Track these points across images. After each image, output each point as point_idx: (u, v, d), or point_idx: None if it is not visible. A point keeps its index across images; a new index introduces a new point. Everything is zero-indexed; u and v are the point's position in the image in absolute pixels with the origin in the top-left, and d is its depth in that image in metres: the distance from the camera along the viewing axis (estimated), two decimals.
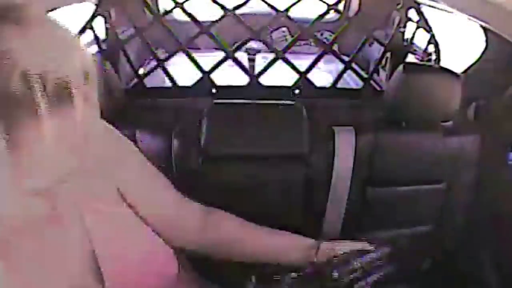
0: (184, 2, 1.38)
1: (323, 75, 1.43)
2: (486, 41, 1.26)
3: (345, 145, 1.16)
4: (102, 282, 0.63)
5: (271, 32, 2.17)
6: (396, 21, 1.46)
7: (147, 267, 0.70)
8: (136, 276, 0.68)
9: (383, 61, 1.45)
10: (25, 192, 0.45)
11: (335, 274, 0.73)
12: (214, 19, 1.36)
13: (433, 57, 1.44)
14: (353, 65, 1.40)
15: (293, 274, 0.74)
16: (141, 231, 0.71)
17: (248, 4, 1.40)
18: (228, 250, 0.83)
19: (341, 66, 1.38)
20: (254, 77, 1.33)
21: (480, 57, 1.32)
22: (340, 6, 1.46)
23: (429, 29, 1.41)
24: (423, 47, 1.46)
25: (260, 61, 1.77)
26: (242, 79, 1.34)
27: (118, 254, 0.65)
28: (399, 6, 1.46)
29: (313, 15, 1.39)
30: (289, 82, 1.35)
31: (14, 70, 0.39)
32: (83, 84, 0.44)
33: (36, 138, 0.41)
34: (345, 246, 0.80)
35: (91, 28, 1.37)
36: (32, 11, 0.44)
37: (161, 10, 1.80)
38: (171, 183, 0.80)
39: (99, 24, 1.39)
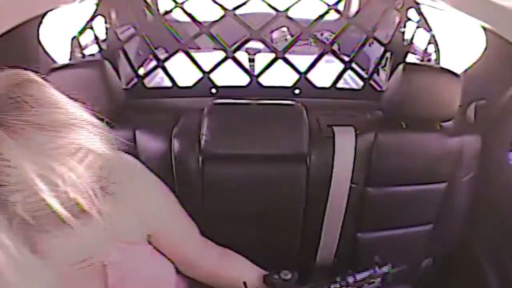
0: (184, 2, 1.38)
1: (323, 75, 1.43)
2: (486, 41, 1.26)
3: (345, 145, 1.16)
4: None
5: (271, 32, 2.17)
6: (396, 21, 1.46)
7: None
8: None
9: (383, 61, 1.45)
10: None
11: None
12: (214, 19, 1.36)
13: (433, 57, 1.44)
14: (353, 65, 1.40)
15: None
16: (157, 263, 0.75)
17: (248, 4, 1.40)
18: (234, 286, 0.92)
19: (341, 66, 1.38)
20: (254, 77, 1.33)
21: (480, 57, 1.32)
22: (340, 6, 1.47)
23: (429, 29, 1.41)
24: (423, 47, 1.46)
25: (260, 61, 1.77)
26: (242, 79, 1.34)
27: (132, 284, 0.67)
28: (399, 6, 1.46)
29: (313, 15, 1.39)
30: (289, 82, 1.35)
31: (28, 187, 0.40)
32: (97, 197, 0.44)
33: (60, 245, 0.44)
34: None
35: (91, 28, 1.37)
36: (28, 114, 0.43)
37: (161, 10, 1.79)
38: (170, 189, 0.84)
39: (99, 24, 1.39)
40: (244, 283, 0.89)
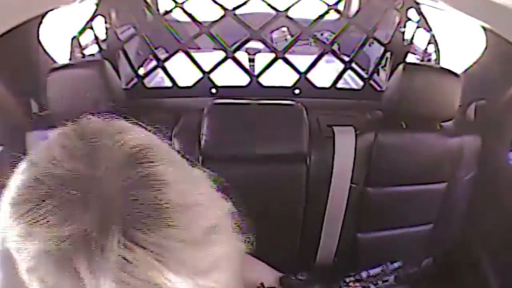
0: (184, 2, 1.38)
1: (323, 75, 1.43)
2: (486, 41, 1.26)
3: (345, 145, 1.16)
4: None
5: (271, 32, 2.17)
6: (396, 21, 1.46)
7: None
8: None
9: (383, 61, 1.45)
10: None
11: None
12: (214, 19, 1.36)
13: (433, 57, 1.44)
14: (353, 65, 1.40)
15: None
16: None
17: (248, 4, 1.40)
18: None
19: (341, 66, 1.38)
20: (254, 77, 1.33)
21: (480, 57, 1.32)
22: (340, 6, 1.47)
23: (429, 29, 1.41)
24: (423, 47, 1.46)
25: (260, 61, 1.77)
26: (242, 79, 1.34)
27: None
28: (399, 6, 1.46)
29: (313, 15, 1.39)
30: (289, 82, 1.35)
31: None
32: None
33: None
34: None
35: (91, 28, 1.37)
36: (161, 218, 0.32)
37: (161, 10, 1.80)
38: None
39: (99, 24, 1.39)
40: (262, 284, 0.89)
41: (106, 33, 1.40)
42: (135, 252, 0.30)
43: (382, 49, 1.41)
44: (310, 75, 1.35)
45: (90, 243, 0.30)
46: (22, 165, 0.36)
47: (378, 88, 1.42)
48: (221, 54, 1.33)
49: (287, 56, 1.34)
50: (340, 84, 1.38)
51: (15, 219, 0.33)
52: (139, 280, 0.30)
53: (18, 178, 0.35)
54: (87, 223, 0.31)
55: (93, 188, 0.32)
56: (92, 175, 0.32)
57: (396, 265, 0.95)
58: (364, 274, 0.92)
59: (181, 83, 1.34)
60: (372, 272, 0.93)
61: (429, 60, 1.45)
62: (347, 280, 0.91)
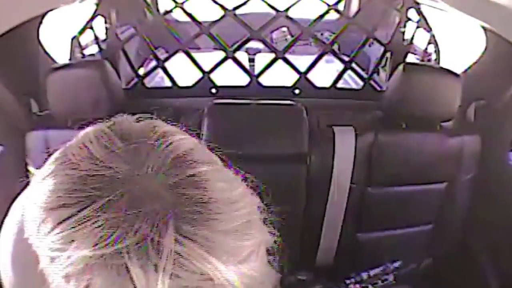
0: (184, 2, 1.38)
1: (323, 75, 1.43)
2: (486, 41, 1.26)
3: (345, 145, 1.16)
4: None
5: (271, 32, 2.17)
6: (396, 21, 1.46)
7: None
8: None
9: (383, 61, 1.45)
10: None
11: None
12: (214, 19, 1.36)
13: (433, 57, 1.44)
14: (353, 65, 1.40)
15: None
16: None
17: (248, 4, 1.40)
18: None
19: (341, 66, 1.38)
20: (254, 77, 1.33)
21: (480, 57, 1.32)
22: (340, 6, 1.47)
23: (429, 29, 1.41)
24: (423, 47, 1.46)
25: (260, 61, 1.77)
26: (242, 79, 1.34)
27: None
28: (399, 6, 1.46)
29: (313, 15, 1.39)
30: (289, 82, 1.35)
31: None
32: None
33: None
34: None
35: (91, 28, 1.37)
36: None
37: (161, 10, 1.80)
38: None
39: (99, 24, 1.39)
40: None
41: (106, 33, 1.40)
42: (186, 246, 0.31)
43: (382, 49, 1.41)
44: (310, 75, 1.35)
45: (144, 242, 0.30)
46: (49, 167, 0.34)
47: (378, 88, 1.42)
48: (221, 54, 1.33)
49: (287, 56, 1.34)
50: (340, 84, 1.38)
51: (54, 225, 0.31)
52: (190, 273, 0.31)
53: (47, 180, 0.34)
54: (139, 222, 0.31)
55: (141, 188, 0.32)
56: (139, 175, 0.33)
57: (396, 264, 0.95)
58: (364, 275, 0.92)
59: (181, 83, 1.34)
60: (372, 272, 0.93)
61: (429, 60, 1.45)
62: (348, 282, 0.91)
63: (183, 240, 0.31)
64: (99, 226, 0.30)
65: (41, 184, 0.34)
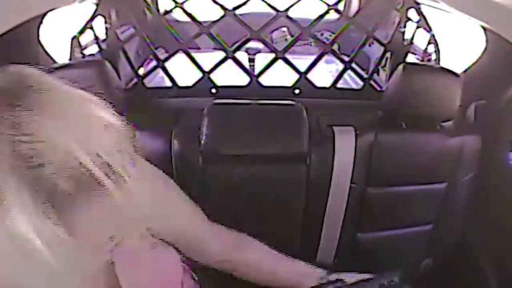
0: (184, 2, 1.38)
1: (323, 75, 1.43)
2: (486, 41, 1.26)
3: (345, 145, 1.16)
4: None
5: (271, 32, 2.17)
6: (396, 21, 1.46)
7: None
8: None
9: (383, 61, 1.45)
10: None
11: None
12: (214, 19, 1.36)
13: (433, 57, 1.44)
14: (353, 65, 1.40)
15: None
16: (165, 260, 0.73)
17: (248, 4, 1.40)
18: (246, 272, 0.89)
19: (341, 66, 1.38)
20: (254, 77, 1.33)
21: (480, 57, 1.32)
22: (340, 6, 1.47)
23: (429, 29, 1.41)
24: (423, 47, 1.46)
25: (260, 61, 1.78)
26: (242, 79, 1.34)
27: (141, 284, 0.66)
28: (399, 6, 1.46)
29: (313, 15, 1.39)
30: (289, 82, 1.35)
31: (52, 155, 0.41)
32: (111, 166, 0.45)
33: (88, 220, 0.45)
34: (353, 278, 0.83)
35: (91, 28, 1.37)
36: (43, 94, 0.45)
37: (161, 10, 1.80)
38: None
39: (99, 24, 1.39)
40: None
41: (106, 33, 1.40)
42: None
43: (382, 49, 1.41)
44: (310, 75, 1.35)
45: None
46: None
47: (378, 88, 1.42)
48: (221, 54, 1.33)
49: (287, 56, 1.35)
50: (340, 84, 1.38)
51: None
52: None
53: None
54: None
55: None
56: None
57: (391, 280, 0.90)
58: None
59: (181, 83, 1.35)
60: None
61: (429, 60, 1.45)
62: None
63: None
64: None
65: None
